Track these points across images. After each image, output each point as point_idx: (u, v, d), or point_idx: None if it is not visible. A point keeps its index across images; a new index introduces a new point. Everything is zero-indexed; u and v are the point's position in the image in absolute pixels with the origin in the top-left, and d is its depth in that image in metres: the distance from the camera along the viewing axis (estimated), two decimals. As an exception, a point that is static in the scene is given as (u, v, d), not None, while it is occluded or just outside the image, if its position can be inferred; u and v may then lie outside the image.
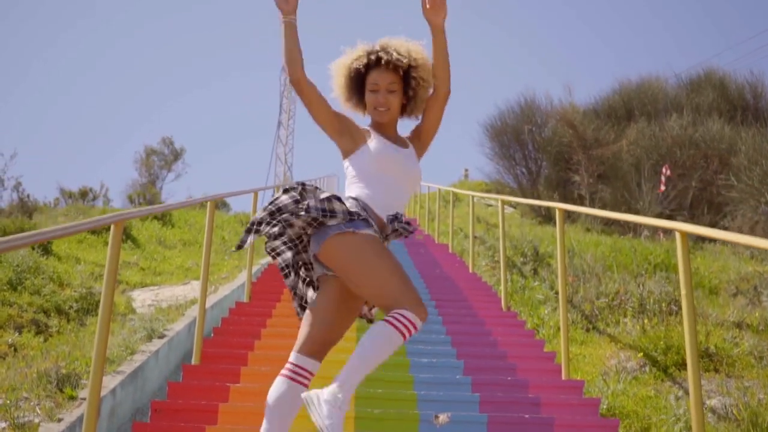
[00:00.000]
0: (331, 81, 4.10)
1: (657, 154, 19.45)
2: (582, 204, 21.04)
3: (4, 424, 5.37)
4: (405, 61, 3.91)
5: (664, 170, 18.55)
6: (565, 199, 22.32)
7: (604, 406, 5.97)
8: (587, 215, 20.20)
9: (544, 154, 23.08)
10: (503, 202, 10.12)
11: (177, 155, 34.90)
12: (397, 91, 3.95)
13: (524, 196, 23.67)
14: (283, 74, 33.95)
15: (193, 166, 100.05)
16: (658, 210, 18.07)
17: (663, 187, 18.41)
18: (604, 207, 20.25)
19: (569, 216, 21.48)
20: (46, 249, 12.20)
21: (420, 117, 4.12)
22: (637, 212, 18.44)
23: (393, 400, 5.46)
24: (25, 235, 3.05)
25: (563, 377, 6.24)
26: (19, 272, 9.90)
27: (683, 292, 4.12)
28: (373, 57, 3.94)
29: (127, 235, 15.29)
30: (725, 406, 5.96)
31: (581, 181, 21.17)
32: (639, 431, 5.72)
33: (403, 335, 3.52)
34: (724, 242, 15.58)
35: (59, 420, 5.40)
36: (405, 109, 4.08)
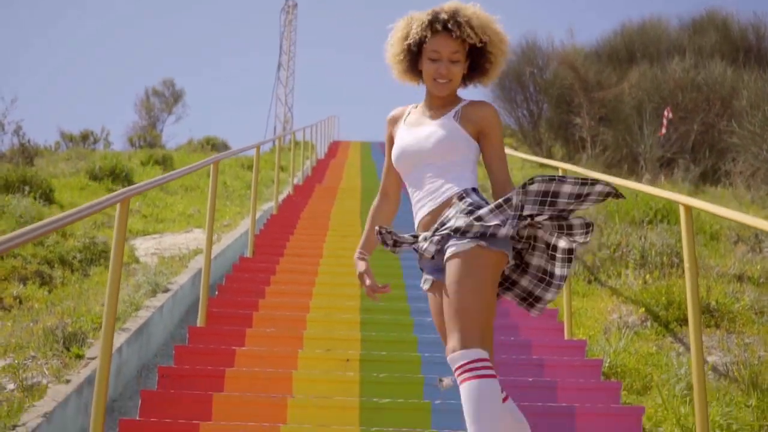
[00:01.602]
0: (388, 50, 3.71)
1: (659, 96, 19.36)
2: (583, 146, 21.04)
3: (12, 386, 5.42)
4: (474, 40, 3.52)
5: (666, 113, 18.48)
6: (566, 142, 22.33)
7: (606, 365, 6.02)
8: (588, 157, 20.26)
9: (546, 97, 23.01)
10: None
11: (178, 97, 34.82)
12: (461, 61, 3.56)
13: (525, 138, 23.66)
14: (283, 14, 33.68)
15: (194, 107, 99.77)
16: (660, 153, 18.03)
17: (664, 131, 18.35)
18: (605, 150, 20.23)
19: (570, 158, 21.53)
20: (48, 198, 12.22)
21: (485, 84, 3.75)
22: (638, 155, 18.41)
23: (397, 362, 5.51)
24: (29, 229, 3.07)
25: (566, 337, 6.28)
26: (22, 223, 9.94)
27: (686, 265, 4.13)
28: (439, 26, 3.52)
29: (128, 182, 15.32)
30: (725, 364, 6.02)
31: (583, 124, 21.13)
32: (640, 390, 5.78)
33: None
34: (727, 186, 15.64)
35: (67, 381, 5.45)
36: (467, 79, 3.71)
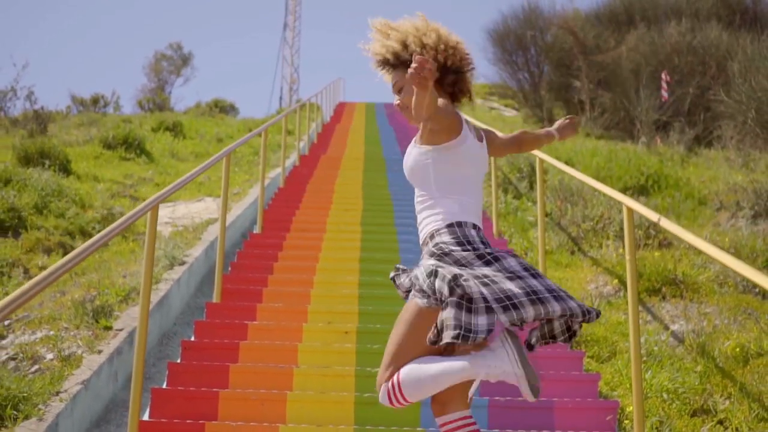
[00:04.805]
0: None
1: (656, 60, 19.85)
2: (582, 108, 21.57)
3: (51, 355, 6.14)
4: (381, 58, 3.54)
5: (663, 77, 18.97)
6: (566, 104, 22.86)
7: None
8: (587, 120, 20.82)
9: (546, 60, 23.51)
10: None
11: (186, 60, 35.39)
12: (404, 88, 3.49)
13: (526, 100, 24.20)
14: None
15: (202, 69, 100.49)
16: (656, 116, 18.54)
17: (666, 94, 18.85)
18: (603, 113, 20.76)
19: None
20: (66, 169, 12.84)
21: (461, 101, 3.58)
22: (635, 118, 18.93)
23: (393, 315, 6.19)
24: (66, 260, 3.71)
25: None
26: (43, 196, 10.53)
27: (627, 257, 4.81)
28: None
29: (141, 150, 15.95)
30: (683, 333, 6.72)
31: (582, 87, 21.66)
32: (606, 358, 6.48)
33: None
34: (719, 149, 16.20)
35: (99, 352, 6.16)
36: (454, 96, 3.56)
